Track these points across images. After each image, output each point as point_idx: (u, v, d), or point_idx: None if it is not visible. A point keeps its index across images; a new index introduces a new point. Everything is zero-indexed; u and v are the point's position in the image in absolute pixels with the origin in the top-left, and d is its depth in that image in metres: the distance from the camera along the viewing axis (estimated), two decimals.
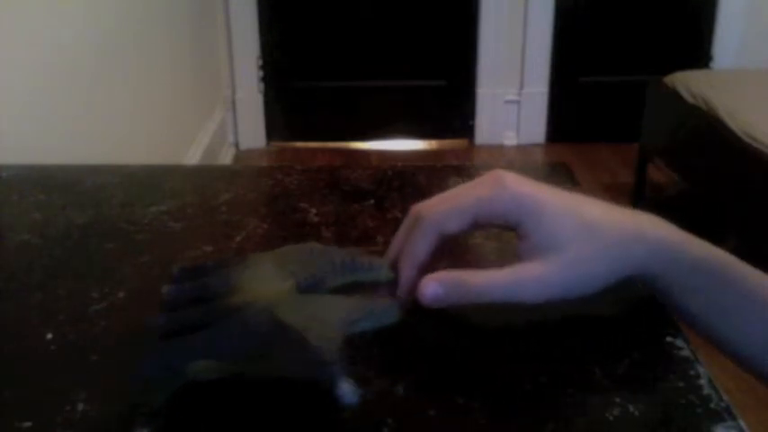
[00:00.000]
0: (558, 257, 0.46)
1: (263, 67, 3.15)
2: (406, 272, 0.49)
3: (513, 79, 3.26)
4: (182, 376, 0.43)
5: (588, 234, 0.46)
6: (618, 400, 0.44)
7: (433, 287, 0.47)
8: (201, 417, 0.43)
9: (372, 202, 0.71)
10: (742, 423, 0.42)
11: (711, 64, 3.28)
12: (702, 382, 0.45)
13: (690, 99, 2.37)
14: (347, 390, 0.42)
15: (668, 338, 0.50)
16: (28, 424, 0.42)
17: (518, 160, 3.26)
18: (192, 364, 0.43)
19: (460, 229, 0.48)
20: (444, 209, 0.49)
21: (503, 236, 0.64)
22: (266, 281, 0.48)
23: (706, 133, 2.27)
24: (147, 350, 0.43)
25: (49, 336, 0.50)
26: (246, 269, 0.49)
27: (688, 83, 2.43)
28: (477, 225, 0.48)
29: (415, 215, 0.50)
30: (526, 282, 0.46)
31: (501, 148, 3.33)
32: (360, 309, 0.47)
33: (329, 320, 0.45)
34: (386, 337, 0.50)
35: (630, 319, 0.53)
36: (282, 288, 0.48)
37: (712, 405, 0.43)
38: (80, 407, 0.43)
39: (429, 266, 0.49)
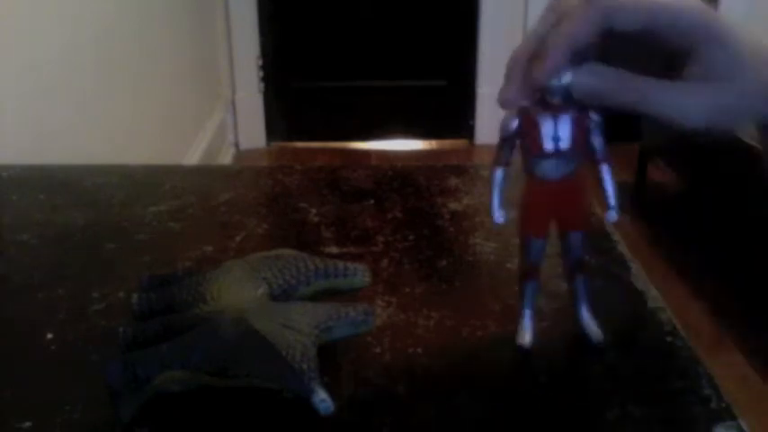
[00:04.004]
0: (731, 86, 0.42)
1: (263, 67, 3.15)
2: (557, 52, 0.41)
3: None
4: (150, 387, 0.42)
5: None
6: (618, 400, 0.44)
7: (588, 74, 0.41)
8: (174, 428, 0.43)
9: (372, 202, 0.71)
10: (742, 423, 0.42)
11: None
12: (702, 382, 0.45)
13: None
14: (321, 399, 0.41)
15: (668, 338, 0.50)
16: (28, 424, 0.42)
17: (519, 160, 3.26)
18: (160, 375, 0.42)
19: (629, 27, 0.41)
20: (584, 16, 0.41)
21: (503, 236, 0.64)
22: (238, 289, 0.48)
23: (706, 133, 2.27)
24: (111, 361, 0.43)
25: (49, 336, 0.50)
26: (218, 277, 0.49)
27: None
28: (645, 33, 0.41)
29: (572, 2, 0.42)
30: (693, 100, 0.42)
31: None
32: (334, 315, 0.47)
33: (302, 328, 0.44)
34: (386, 338, 0.50)
35: (631, 320, 0.53)
36: (255, 295, 0.47)
37: (712, 405, 0.43)
38: (80, 407, 0.43)
39: None
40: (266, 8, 3.07)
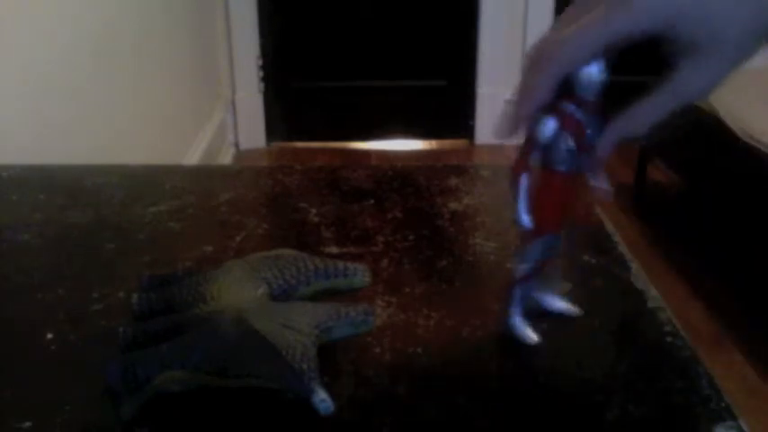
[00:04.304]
0: (721, 48, 0.41)
1: (263, 67, 3.15)
2: (524, 109, 0.43)
3: (512, 79, 3.26)
4: (150, 387, 0.42)
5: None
6: (618, 400, 0.44)
7: (604, 144, 0.44)
8: (174, 428, 0.43)
9: (372, 202, 0.71)
10: (742, 423, 0.42)
11: None
12: (702, 382, 0.45)
13: None
14: (321, 399, 0.41)
15: (668, 338, 0.50)
16: (28, 424, 0.42)
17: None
18: (160, 375, 0.42)
19: (596, 54, 0.42)
20: (572, 43, 0.42)
21: (503, 236, 0.64)
22: (238, 289, 0.48)
23: (706, 133, 2.27)
24: (111, 361, 0.43)
25: (49, 336, 0.50)
26: (218, 277, 0.49)
27: None
28: (616, 45, 0.42)
29: (537, 54, 0.44)
30: (690, 84, 0.43)
31: (501, 148, 3.33)
32: (334, 315, 0.47)
33: (302, 328, 0.44)
34: (388, 337, 0.50)
35: (631, 320, 0.53)
36: (255, 295, 0.47)
37: (712, 405, 0.43)
38: (80, 407, 0.43)
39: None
40: (266, 8, 3.07)
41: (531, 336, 0.49)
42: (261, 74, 3.17)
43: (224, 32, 3.03)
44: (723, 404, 0.43)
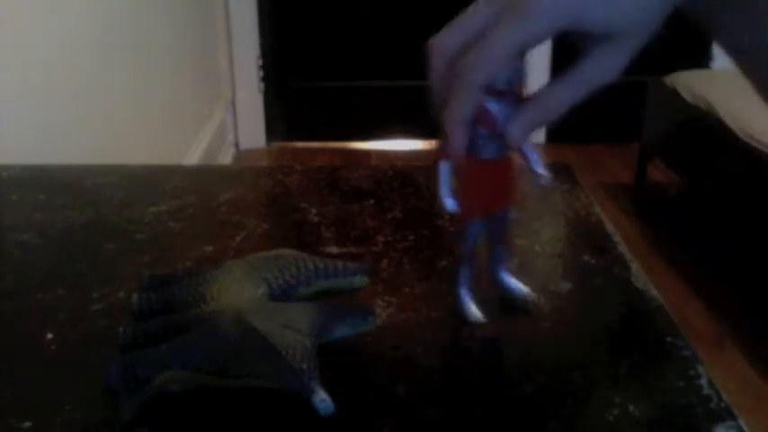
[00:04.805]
0: (624, 39, 0.44)
1: (263, 67, 3.15)
2: (457, 136, 0.45)
3: None
4: (150, 387, 0.42)
5: None
6: (618, 400, 0.44)
7: (517, 127, 0.45)
8: (174, 428, 0.43)
9: (372, 202, 0.71)
10: (742, 423, 0.42)
11: (711, 64, 3.27)
12: (702, 382, 0.45)
13: (690, 99, 2.37)
14: (321, 399, 0.41)
15: (668, 338, 0.50)
16: (28, 424, 0.42)
17: (518, 160, 3.25)
18: (160, 375, 0.42)
19: (510, 63, 0.44)
20: (482, 66, 0.43)
21: None
22: (238, 289, 0.48)
23: (706, 133, 2.27)
24: (111, 361, 0.43)
25: (49, 336, 0.50)
26: (218, 277, 0.49)
27: (688, 83, 2.43)
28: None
29: (449, 66, 0.46)
30: (602, 68, 0.44)
31: None
32: (334, 316, 0.47)
33: (302, 328, 0.44)
34: (388, 337, 0.50)
35: (631, 320, 0.53)
36: (255, 295, 0.47)
37: (712, 405, 0.43)
38: (80, 407, 0.43)
39: None
40: (266, 8, 3.07)
41: (476, 314, 0.51)
42: (261, 74, 3.17)
43: (224, 32, 3.03)
44: (723, 404, 0.43)
